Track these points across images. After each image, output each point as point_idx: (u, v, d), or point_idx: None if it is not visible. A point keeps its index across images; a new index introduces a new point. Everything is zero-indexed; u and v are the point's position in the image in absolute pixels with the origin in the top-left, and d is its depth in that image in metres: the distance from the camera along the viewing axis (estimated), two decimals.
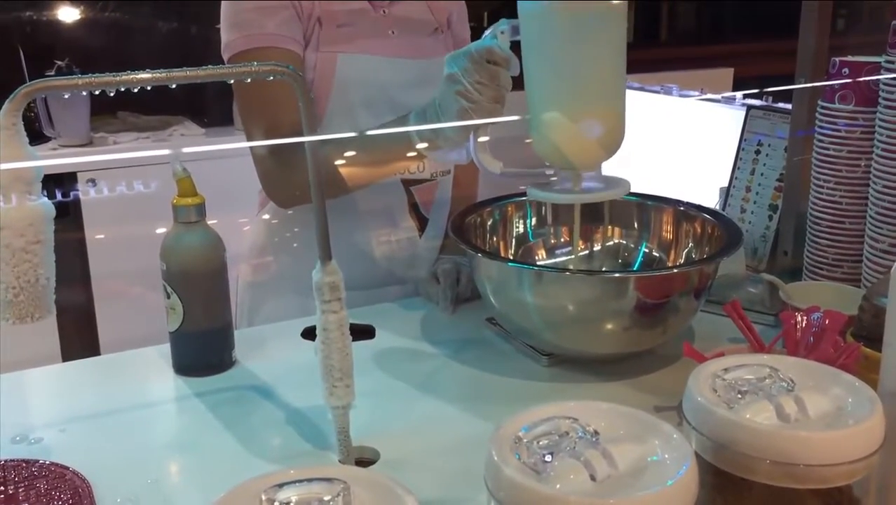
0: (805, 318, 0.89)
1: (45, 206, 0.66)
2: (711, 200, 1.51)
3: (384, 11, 1.23)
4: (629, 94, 2.51)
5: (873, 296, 0.91)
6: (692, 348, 0.89)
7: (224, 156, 2.19)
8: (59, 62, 2.36)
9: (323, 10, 1.17)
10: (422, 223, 1.32)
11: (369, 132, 1.12)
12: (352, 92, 1.19)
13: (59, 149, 2.49)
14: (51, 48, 2.60)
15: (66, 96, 0.68)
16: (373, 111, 1.20)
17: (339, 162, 1.06)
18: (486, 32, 0.95)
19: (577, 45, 0.85)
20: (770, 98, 2.16)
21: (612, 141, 0.88)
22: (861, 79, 1.06)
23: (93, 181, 2.40)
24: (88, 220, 2.35)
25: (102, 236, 2.32)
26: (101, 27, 2.75)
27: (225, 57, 1.17)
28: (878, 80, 1.00)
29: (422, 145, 1.00)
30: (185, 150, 0.94)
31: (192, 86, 0.69)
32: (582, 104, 0.86)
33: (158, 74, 0.69)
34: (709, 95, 2.36)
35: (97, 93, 0.69)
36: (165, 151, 0.94)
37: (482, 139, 0.95)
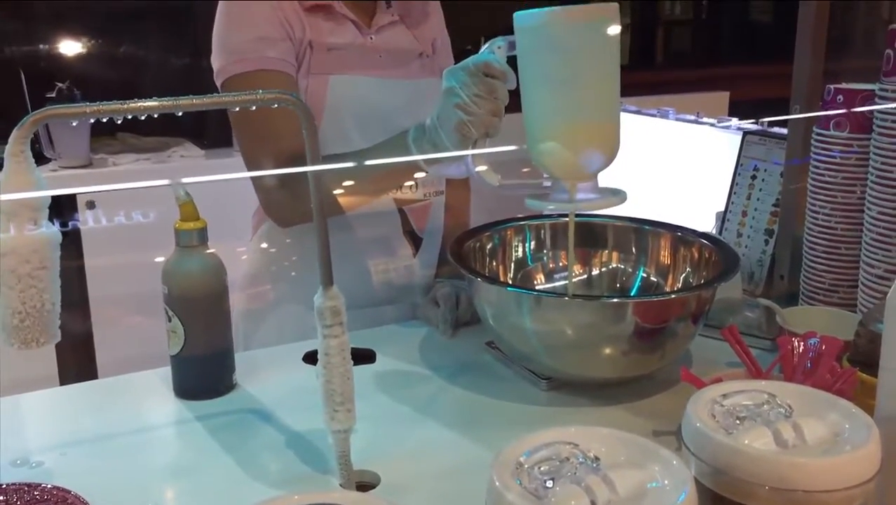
0: (802, 343, 0.89)
1: (51, 232, 0.67)
2: (708, 225, 1.52)
3: (371, 38, 1.26)
4: (626, 117, 2.56)
5: (869, 321, 0.92)
6: (690, 373, 0.89)
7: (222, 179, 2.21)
8: (60, 84, 2.37)
9: (313, 36, 1.20)
10: (415, 244, 1.33)
11: (368, 150, 1.13)
12: (344, 113, 1.21)
13: (59, 170, 2.50)
14: (51, 70, 2.62)
15: (74, 124, 0.69)
16: (365, 132, 1.22)
17: (337, 186, 1.07)
18: (483, 48, 0.97)
19: (573, 55, 0.86)
20: (766, 123, 2.18)
21: (609, 152, 0.89)
22: (856, 109, 1.07)
23: (92, 203, 2.41)
24: (88, 243, 2.35)
25: (101, 259, 2.33)
26: (102, 49, 2.77)
27: (218, 82, 1.19)
28: (872, 109, 1.02)
29: (421, 161, 1.02)
30: (187, 179, 0.94)
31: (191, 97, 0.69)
32: (579, 115, 0.87)
33: (165, 102, 0.70)
34: (705, 119, 2.39)
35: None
36: (165, 181, 0.95)
37: (481, 153, 0.97)
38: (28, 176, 0.66)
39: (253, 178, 1.20)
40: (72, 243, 2.37)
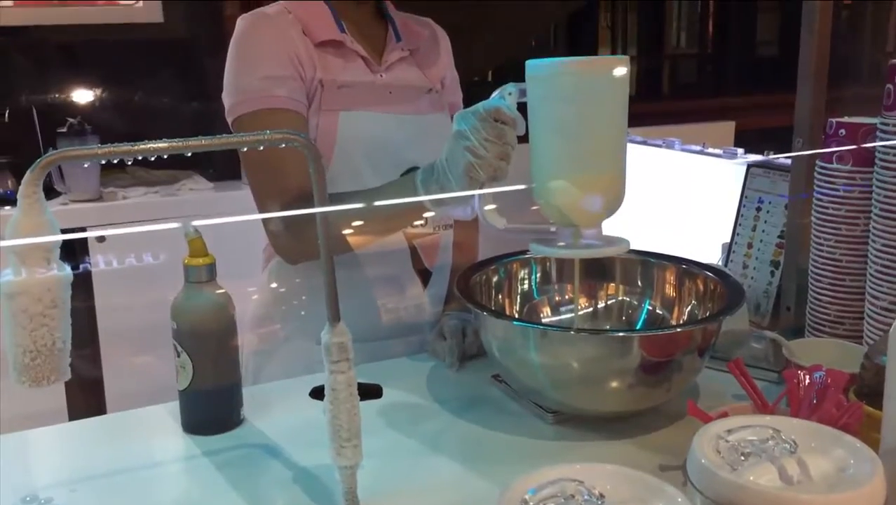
0: (808, 376, 0.90)
1: (63, 272, 0.68)
2: (714, 255, 1.52)
3: (381, 75, 1.28)
4: (632, 147, 2.57)
5: (874, 354, 0.92)
6: (697, 407, 0.89)
7: (232, 211, 2.23)
8: (71, 119, 2.40)
9: (324, 74, 1.22)
10: (424, 278, 1.34)
11: (377, 190, 1.14)
12: (354, 148, 1.23)
13: (69, 204, 2.52)
14: (63, 105, 2.65)
15: (86, 165, 0.70)
16: (375, 166, 1.23)
17: (345, 226, 1.08)
18: (494, 94, 0.98)
19: (582, 107, 0.88)
20: (771, 153, 2.19)
21: (614, 200, 0.91)
22: (861, 145, 1.08)
23: (102, 238, 2.43)
24: (97, 277, 2.37)
25: (111, 292, 2.34)
26: (112, 84, 2.81)
27: (230, 119, 1.21)
28: (874, 146, 1.03)
29: (428, 201, 1.03)
30: (199, 222, 0.95)
31: (201, 132, 0.71)
32: (585, 164, 0.89)
33: (175, 143, 0.71)
34: (711, 150, 2.40)
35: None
36: (176, 223, 0.97)
37: (487, 195, 0.98)
38: (40, 217, 0.67)
39: (262, 214, 1.21)
40: (81, 278, 2.39)
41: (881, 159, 1.04)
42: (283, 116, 1.17)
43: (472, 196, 0.99)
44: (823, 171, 1.14)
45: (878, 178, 1.05)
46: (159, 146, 0.71)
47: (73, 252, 2.44)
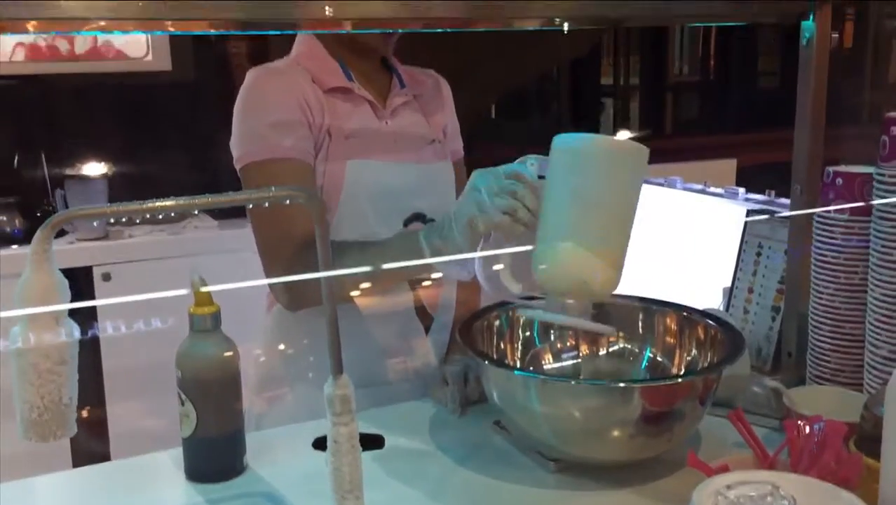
0: (808, 427, 0.90)
1: (71, 327, 0.69)
2: (715, 299, 1.53)
3: (387, 122, 1.30)
4: None
5: (873, 405, 0.92)
6: (697, 459, 0.90)
7: (237, 249, 2.25)
8: (80, 162, 2.43)
9: (332, 123, 1.24)
10: (427, 323, 1.35)
11: (381, 244, 1.16)
12: (360, 196, 1.24)
13: (75, 242, 2.54)
14: (71, 148, 2.68)
15: (95, 224, 0.72)
16: (379, 214, 1.25)
17: (348, 280, 1.10)
18: (516, 162, 1.02)
19: (603, 181, 0.93)
20: (773, 193, 2.21)
21: (609, 281, 0.95)
22: (858, 194, 1.10)
23: (108, 276, 2.45)
24: (102, 316, 2.38)
25: (116, 333, 2.35)
26: (121, 128, 2.84)
27: (238, 167, 1.23)
28: (872, 204, 1.04)
29: (429, 257, 1.05)
30: (213, 289, 0.97)
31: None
32: (595, 236, 0.93)
33: (182, 202, 0.73)
34: (712, 189, 2.41)
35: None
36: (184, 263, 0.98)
37: (505, 258, 1.01)
38: (50, 275, 0.68)
39: (264, 266, 1.23)
40: (86, 315, 2.40)
41: (878, 209, 1.06)
42: (289, 166, 1.19)
43: (473, 258, 1.01)
44: (821, 219, 1.16)
45: (876, 227, 1.06)
46: (167, 204, 0.73)
47: (80, 291, 2.45)
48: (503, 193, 0.99)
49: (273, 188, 0.76)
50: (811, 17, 1.15)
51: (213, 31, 0.85)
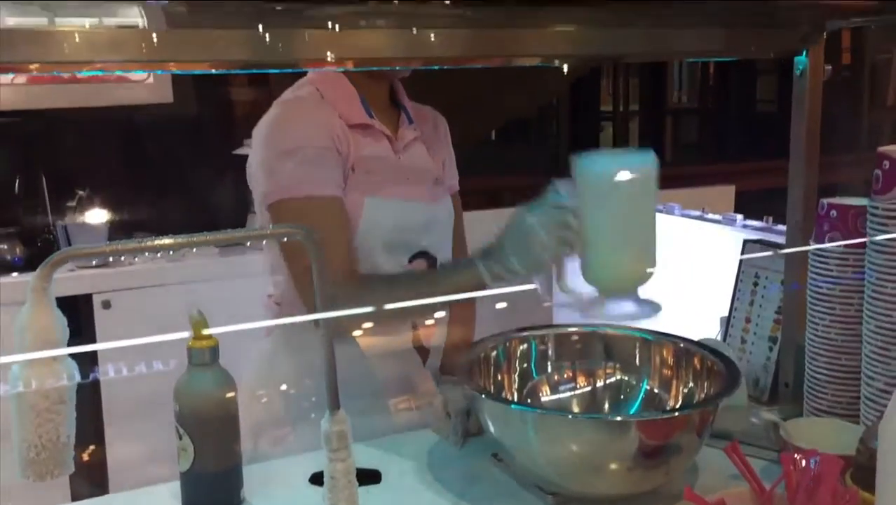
0: (804, 461, 0.90)
1: (69, 367, 0.70)
2: (713, 329, 1.53)
3: (400, 157, 1.33)
4: None
5: (869, 438, 0.93)
6: (693, 493, 0.90)
7: (237, 277, 2.26)
8: (80, 192, 2.45)
9: (356, 157, 1.26)
10: (423, 354, 1.36)
11: (433, 272, 1.26)
12: (375, 233, 1.27)
13: (76, 270, 2.55)
14: (72, 176, 2.70)
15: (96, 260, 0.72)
16: (390, 250, 1.28)
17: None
18: (550, 192, 1.10)
19: (633, 200, 1.07)
20: (770, 219, 2.21)
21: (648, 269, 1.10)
22: (851, 226, 1.10)
23: (108, 303, 2.45)
24: (102, 352, 2.38)
25: (115, 368, 2.35)
26: (122, 156, 2.86)
27: (267, 202, 1.20)
28: (864, 243, 1.05)
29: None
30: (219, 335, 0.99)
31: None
32: (642, 240, 1.09)
33: (180, 240, 0.74)
34: (710, 215, 2.42)
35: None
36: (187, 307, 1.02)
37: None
38: (48, 315, 0.69)
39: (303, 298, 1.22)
40: (86, 345, 2.41)
41: (872, 242, 1.06)
42: (322, 203, 1.20)
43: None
44: (817, 251, 1.16)
45: (870, 260, 1.07)
46: (165, 242, 0.74)
47: (79, 319, 2.46)
48: (559, 228, 1.07)
49: (270, 226, 0.77)
50: (804, 52, 1.16)
51: (213, 71, 0.85)
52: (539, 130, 5.94)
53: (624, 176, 1.05)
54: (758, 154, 4.14)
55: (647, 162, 1.06)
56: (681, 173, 4.36)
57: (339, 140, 1.25)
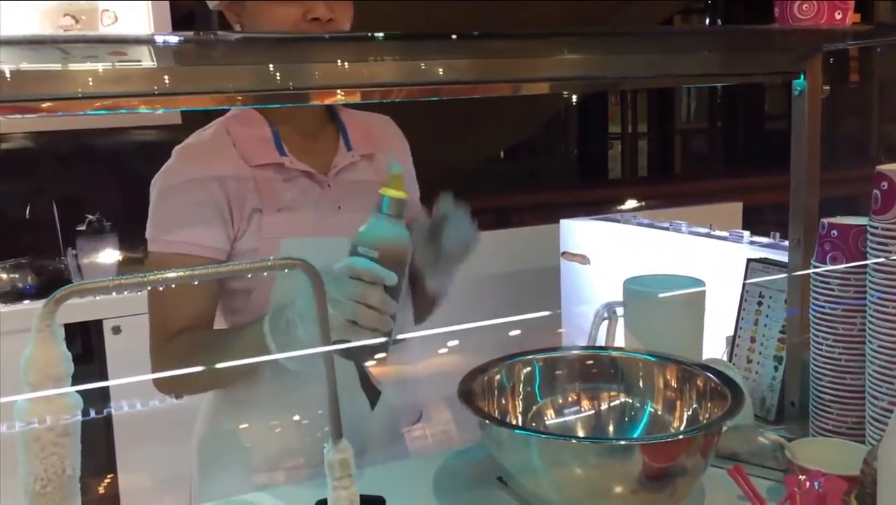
0: (808, 483, 0.90)
1: (74, 400, 0.71)
2: (719, 348, 1.53)
3: (329, 185, 1.25)
4: (638, 231, 2.63)
5: (873, 459, 0.93)
6: None
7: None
8: (91, 216, 2.47)
9: (263, 197, 1.19)
10: (373, 397, 1.27)
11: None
12: (294, 277, 1.18)
13: (85, 295, 2.56)
14: (83, 200, 2.72)
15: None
16: None
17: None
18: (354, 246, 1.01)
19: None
20: (777, 235, 2.21)
21: None
22: (852, 246, 1.11)
23: (118, 328, 2.46)
24: (113, 371, 2.40)
25: (128, 406, 2.36)
26: (131, 182, 2.89)
27: (148, 246, 1.20)
28: (865, 269, 1.05)
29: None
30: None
31: None
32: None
33: (181, 273, 0.75)
34: (717, 232, 2.42)
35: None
36: None
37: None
38: (54, 350, 0.70)
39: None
40: (97, 367, 2.42)
41: (874, 262, 1.07)
42: (189, 262, 1.15)
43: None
44: (819, 271, 1.16)
45: (872, 280, 1.07)
46: (169, 276, 0.75)
47: (90, 345, 2.47)
48: (346, 299, 0.96)
49: (271, 257, 0.78)
50: (802, 74, 1.17)
51: (220, 107, 0.87)
52: (547, 150, 5.95)
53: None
54: (766, 169, 4.14)
55: (697, 296, 1.20)
56: (689, 190, 4.36)
57: (230, 193, 1.18)
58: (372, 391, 1.26)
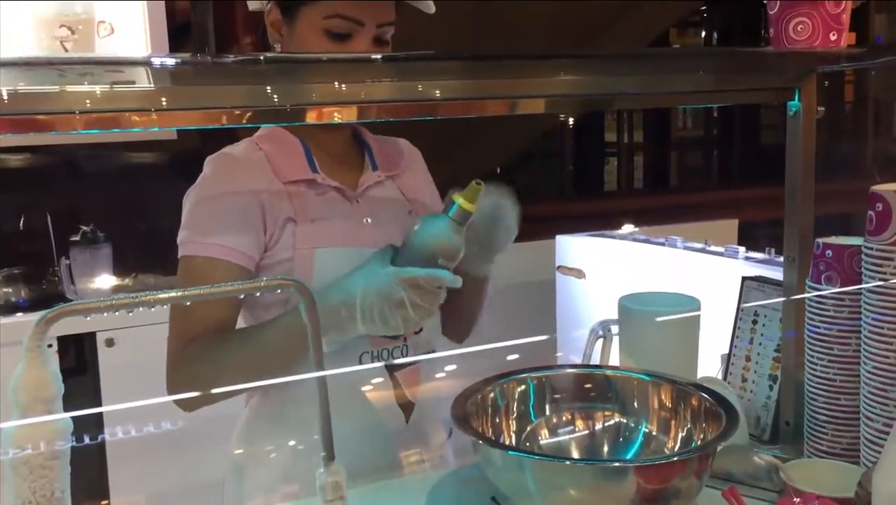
0: None
1: (64, 424, 0.70)
2: (714, 367, 1.53)
3: (357, 201, 1.27)
4: (634, 247, 2.63)
5: (867, 482, 0.92)
6: None
7: None
8: (84, 227, 2.46)
9: (296, 209, 1.21)
10: (408, 411, 1.29)
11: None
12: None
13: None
14: (77, 211, 2.72)
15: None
16: None
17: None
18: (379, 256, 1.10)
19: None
20: (773, 251, 2.21)
21: None
22: (847, 266, 1.11)
23: (111, 341, 2.45)
24: (106, 385, 2.38)
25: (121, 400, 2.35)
26: (125, 192, 2.89)
27: (179, 253, 1.20)
28: (860, 289, 1.05)
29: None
30: None
31: None
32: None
33: (174, 294, 0.75)
34: (713, 248, 2.42)
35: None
36: None
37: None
38: (44, 370, 0.70)
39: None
40: (90, 381, 2.41)
41: (868, 283, 1.06)
42: (223, 267, 1.14)
43: None
44: (813, 290, 1.16)
45: (866, 300, 1.07)
46: (160, 297, 0.75)
47: (83, 358, 2.46)
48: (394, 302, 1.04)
49: (264, 278, 0.78)
50: (796, 96, 1.17)
51: (215, 126, 0.87)
52: (544, 163, 5.96)
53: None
54: (762, 183, 4.15)
55: (692, 317, 1.22)
56: (685, 202, 4.36)
57: (265, 205, 1.20)
58: (406, 404, 1.29)
